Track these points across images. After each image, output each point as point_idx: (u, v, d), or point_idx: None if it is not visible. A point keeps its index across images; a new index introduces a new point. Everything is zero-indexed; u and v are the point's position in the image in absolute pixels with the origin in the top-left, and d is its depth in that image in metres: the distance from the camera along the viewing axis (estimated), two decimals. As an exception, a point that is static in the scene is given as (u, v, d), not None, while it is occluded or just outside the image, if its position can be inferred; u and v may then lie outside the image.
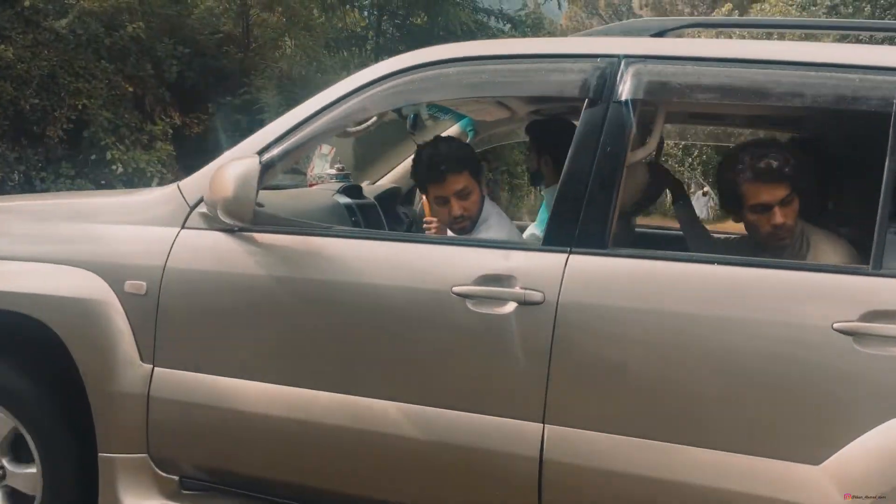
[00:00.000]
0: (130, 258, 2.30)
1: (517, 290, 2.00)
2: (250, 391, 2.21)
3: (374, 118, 2.83)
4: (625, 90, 2.06)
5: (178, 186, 2.37)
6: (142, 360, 2.27)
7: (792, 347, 1.84)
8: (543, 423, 1.97)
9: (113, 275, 2.28)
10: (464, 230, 2.57)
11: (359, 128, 2.86)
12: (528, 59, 2.27)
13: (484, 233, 2.55)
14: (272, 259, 2.22)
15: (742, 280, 1.94)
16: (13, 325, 2.34)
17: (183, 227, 2.29)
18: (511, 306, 2.00)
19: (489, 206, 2.62)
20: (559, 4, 12.30)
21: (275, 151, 2.27)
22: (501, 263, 2.06)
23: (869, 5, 28.77)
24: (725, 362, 1.88)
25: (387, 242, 2.32)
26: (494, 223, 2.57)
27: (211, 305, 2.26)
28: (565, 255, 2.01)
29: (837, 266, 2.09)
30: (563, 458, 1.95)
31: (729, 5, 29.53)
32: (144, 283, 2.25)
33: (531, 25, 11.51)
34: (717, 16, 29.13)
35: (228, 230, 2.23)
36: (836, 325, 1.79)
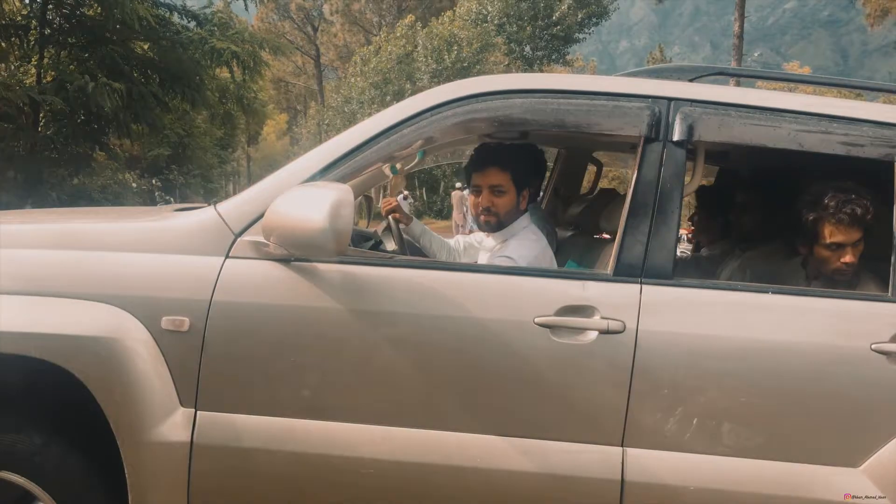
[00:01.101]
0: (167, 291, 2.05)
1: (599, 319, 2.08)
2: (319, 431, 2.06)
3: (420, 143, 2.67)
4: (677, 131, 2.24)
5: (218, 212, 2.16)
6: (181, 403, 2.04)
7: (837, 366, 2.09)
8: (623, 446, 2.08)
9: (145, 310, 2.02)
10: (488, 225, 2.65)
11: (405, 152, 2.66)
12: (587, 95, 2.30)
13: (510, 242, 2.61)
14: (343, 290, 2.09)
15: (792, 307, 2.17)
16: (23, 372, 2.02)
17: (228, 257, 2.10)
18: (593, 335, 2.08)
19: (525, 221, 2.67)
20: (245, 5, 12.10)
21: (331, 176, 2.16)
22: (580, 294, 2.12)
23: (530, 26, 32.51)
24: (784, 381, 2.09)
25: (461, 273, 2.24)
26: (522, 238, 2.61)
27: (272, 340, 2.06)
28: (638, 286, 2.13)
29: (864, 294, 2.33)
30: (643, 479, 2.06)
31: (412, 17, 31.41)
32: (186, 319, 2.02)
33: (218, 24, 11.19)
34: (402, 25, 30.89)
35: (283, 260, 2.08)
36: (874, 346, 2.08)
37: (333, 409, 2.08)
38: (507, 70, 33.21)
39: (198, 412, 2.05)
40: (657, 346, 2.08)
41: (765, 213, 3.16)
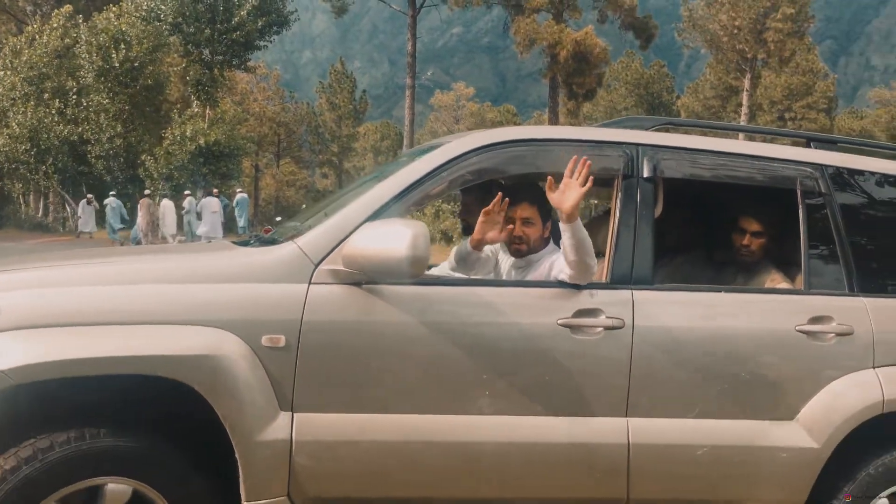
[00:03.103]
0: (264, 314, 2.46)
1: (605, 318, 2.66)
2: (394, 423, 2.52)
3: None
4: (646, 169, 2.85)
5: (298, 245, 2.58)
6: (280, 407, 2.45)
7: (773, 343, 2.79)
8: (627, 416, 2.68)
9: (246, 331, 2.41)
10: (518, 252, 3.07)
11: (437, 190, 2.91)
12: (579, 143, 2.89)
13: (536, 262, 3.04)
14: (408, 306, 2.54)
15: (738, 301, 2.89)
16: (137, 389, 2.37)
17: (311, 283, 2.51)
18: (601, 331, 2.65)
19: (551, 247, 3.09)
20: None
21: (391, 211, 2.59)
22: (590, 300, 2.69)
23: (209, 28, 31.43)
24: (737, 356, 2.76)
25: (500, 288, 2.82)
26: (547, 262, 3.00)
27: (353, 350, 2.50)
28: (630, 291, 2.73)
29: (786, 289, 3.06)
30: (644, 441, 2.67)
31: (69, 7, 28.62)
32: (283, 337, 2.44)
33: None
34: (59, 15, 28.00)
35: (355, 283, 2.52)
36: (797, 328, 2.81)
37: (405, 403, 2.55)
38: (186, 72, 31.76)
39: (294, 414, 2.47)
40: (648, 337, 2.69)
41: (688, 228, 3.75)
